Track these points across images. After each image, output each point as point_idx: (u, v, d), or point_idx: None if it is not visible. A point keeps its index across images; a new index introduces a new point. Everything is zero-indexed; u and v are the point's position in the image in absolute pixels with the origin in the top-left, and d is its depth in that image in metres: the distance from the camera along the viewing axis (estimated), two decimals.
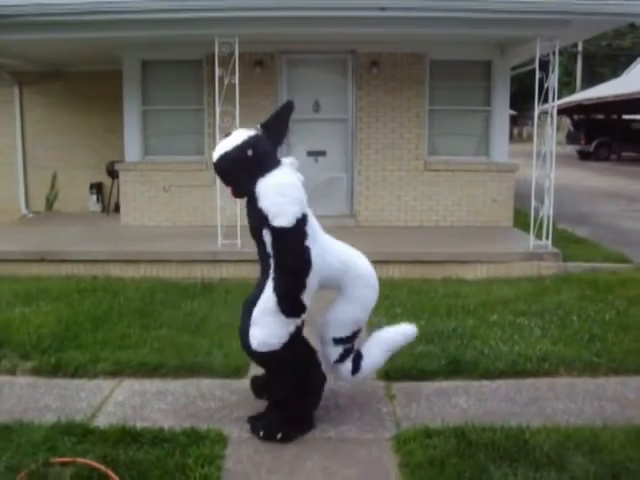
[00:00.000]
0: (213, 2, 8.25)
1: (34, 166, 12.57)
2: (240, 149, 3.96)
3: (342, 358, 4.37)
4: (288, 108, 4.23)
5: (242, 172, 4.00)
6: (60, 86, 12.30)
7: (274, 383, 4.31)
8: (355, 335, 4.39)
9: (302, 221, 3.96)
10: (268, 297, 4.03)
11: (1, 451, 3.81)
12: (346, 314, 4.33)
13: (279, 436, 4.14)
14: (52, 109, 12.44)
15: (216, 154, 4.02)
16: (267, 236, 3.97)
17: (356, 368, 4.43)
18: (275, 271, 4.00)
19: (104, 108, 11.98)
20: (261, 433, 4.16)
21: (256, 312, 4.10)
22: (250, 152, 3.96)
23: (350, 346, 4.39)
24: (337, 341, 4.33)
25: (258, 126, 4.18)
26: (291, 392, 4.18)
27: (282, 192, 3.94)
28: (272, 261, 4.01)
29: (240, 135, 4.05)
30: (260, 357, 4.18)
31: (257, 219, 3.99)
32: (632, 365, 5.28)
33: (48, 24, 8.34)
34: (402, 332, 4.61)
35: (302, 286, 3.98)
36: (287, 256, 3.94)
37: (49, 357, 5.35)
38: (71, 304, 6.81)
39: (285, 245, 3.93)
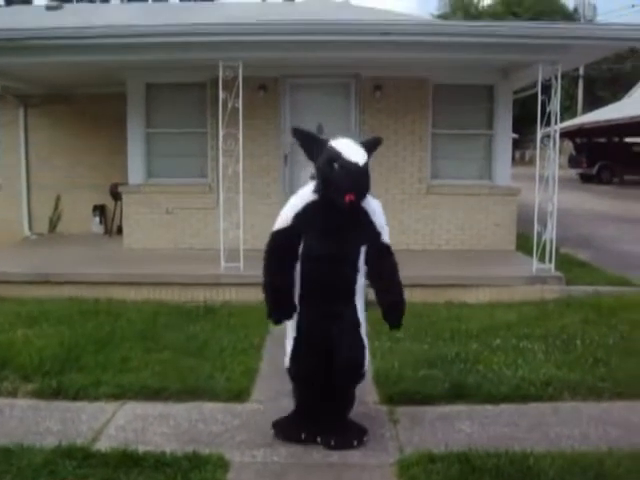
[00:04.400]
0: (217, 27, 8.33)
1: (38, 187, 12.59)
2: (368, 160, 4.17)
3: None
4: (379, 141, 4.53)
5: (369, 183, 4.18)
6: (64, 108, 12.35)
7: (347, 398, 4.47)
8: None
9: None
10: (364, 314, 4.38)
11: (1, 475, 3.79)
12: None
13: (355, 443, 4.34)
14: (56, 131, 12.49)
15: (360, 158, 4.09)
16: (369, 250, 4.27)
17: None
18: (387, 284, 4.29)
19: (108, 130, 12.01)
20: (332, 442, 4.31)
21: (363, 333, 4.36)
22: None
23: None
24: None
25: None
26: (353, 401, 4.51)
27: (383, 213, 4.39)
28: (374, 275, 4.31)
29: (361, 147, 4.21)
30: (362, 379, 4.45)
31: (364, 234, 4.25)
32: (637, 389, 5.24)
33: (54, 47, 8.40)
34: None
35: None
36: (396, 271, 4.35)
37: (50, 380, 5.33)
38: (73, 326, 6.79)
39: (393, 260, 4.35)
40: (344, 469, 4.09)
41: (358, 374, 4.37)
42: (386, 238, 4.31)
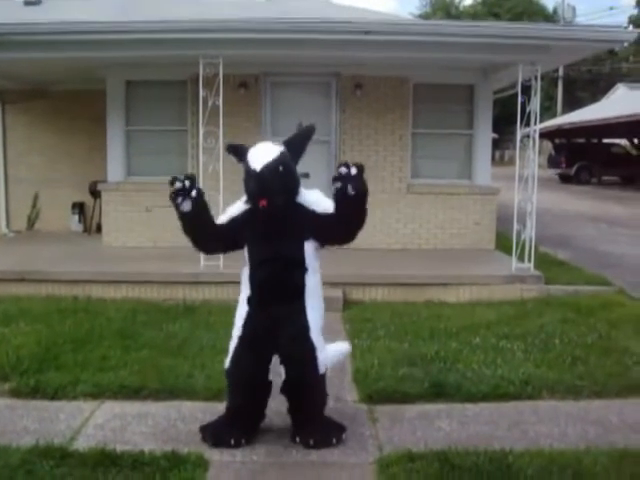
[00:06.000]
0: (198, 23, 8.29)
1: (15, 184, 12.47)
2: (278, 162, 4.12)
3: None
4: (311, 131, 4.42)
5: (281, 185, 4.15)
6: (43, 105, 12.23)
7: (313, 398, 4.39)
8: None
9: None
10: (315, 317, 4.28)
11: None
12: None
13: (334, 441, 4.33)
14: (35, 128, 12.38)
15: (258, 163, 4.09)
16: (310, 244, 4.26)
17: None
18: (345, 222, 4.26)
19: (87, 127, 11.93)
20: (311, 442, 4.28)
21: (314, 336, 4.26)
22: (281, 168, 4.13)
23: None
24: None
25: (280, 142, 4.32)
26: (324, 400, 4.46)
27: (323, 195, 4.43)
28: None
29: (273, 149, 4.19)
30: (321, 380, 4.35)
31: (306, 227, 4.26)
32: (615, 388, 5.29)
33: (32, 43, 8.33)
34: (338, 349, 4.70)
35: None
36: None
37: (28, 378, 5.27)
38: (51, 325, 6.73)
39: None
40: (323, 468, 4.08)
41: (310, 380, 4.30)
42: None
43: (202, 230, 4.38)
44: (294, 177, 4.26)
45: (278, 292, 4.26)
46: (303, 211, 4.29)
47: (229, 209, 4.46)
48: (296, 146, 4.32)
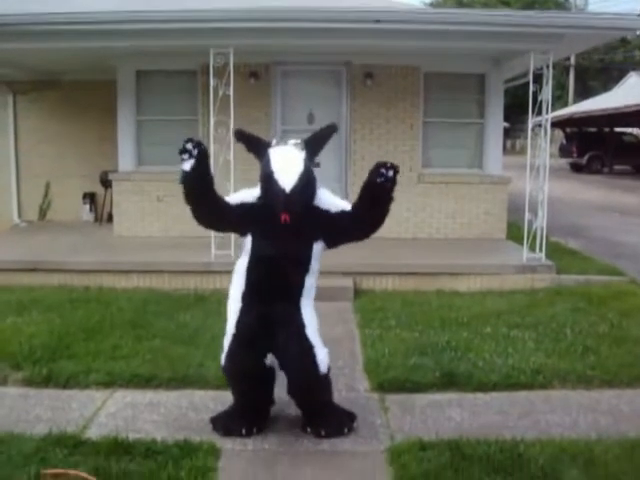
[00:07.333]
0: (208, 13, 8.26)
1: (27, 175, 12.51)
2: (304, 179, 4.08)
3: None
4: (332, 130, 4.40)
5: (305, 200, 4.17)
6: (54, 95, 12.25)
7: (318, 396, 4.38)
8: None
9: None
10: (311, 315, 4.28)
11: None
12: None
13: (346, 430, 4.34)
14: (46, 118, 12.40)
15: (286, 183, 4.00)
16: (319, 245, 4.26)
17: None
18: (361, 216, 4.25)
19: (98, 117, 11.94)
20: (323, 432, 4.29)
21: (310, 333, 4.23)
22: (307, 185, 4.13)
23: None
24: None
25: (299, 141, 4.27)
26: (330, 394, 4.45)
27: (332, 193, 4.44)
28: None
29: (298, 161, 4.11)
30: (322, 379, 4.30)
31: (318, 228, 4.25)
32: (626, 378, 5.28)
33: (43, 33, 8.34)
34: None
35: None
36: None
37: (41, 368, 5.31)
38: (63, 314, 6.77)
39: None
40: (335, 456, 4.10)
41: (311, 379, 4.27)
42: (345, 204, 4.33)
43: (202, 197, 4.27)
44: (314, 187, 4.24)
45: (277, 291, 4.23)
46: (317, 212, 4.26)
47: (241, 192, 4.42)
48: (315, 146, 4.31)
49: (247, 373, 4.27)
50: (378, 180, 4.06)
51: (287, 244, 4.18)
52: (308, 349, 4.20)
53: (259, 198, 4.26)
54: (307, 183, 4.11)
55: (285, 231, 4.14)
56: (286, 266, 4.21)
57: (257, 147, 4.32)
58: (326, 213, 4.26)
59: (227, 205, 4.32)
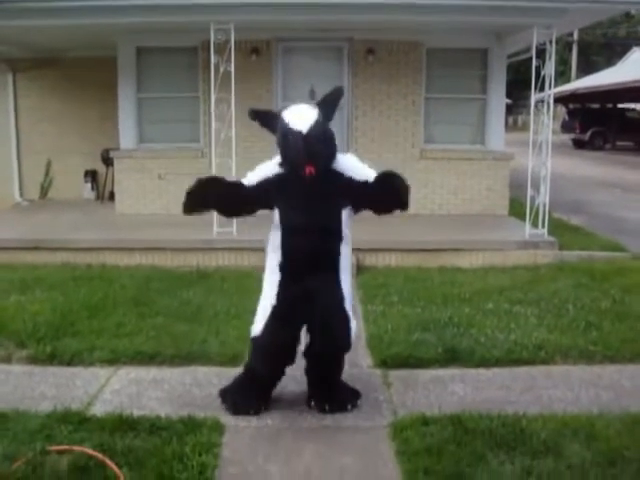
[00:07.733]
0: None
1: (28, 153, 12.50)
2: (320, 124, 4.00)
3: None
4: (339, 92, 4.32)
5: (326, 148, 4.06)
6: (55, 73, 12.20)
7: (336, 367, 4.43)
8: None
9: None
10: (348, 287, 4.23)
11: None
12: None
13: (349, 407, 4.37)
14: (46, 96, 12.36)
15: (303, 125, 3.92)
16: (346, 212, 4.18)
17: None
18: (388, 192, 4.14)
19: (99, 95, 11.89)
20: (327, 407, 4.32)
21: (348, 305, 4.21)
22: (325, 130, 4.06)
23: None
24: None
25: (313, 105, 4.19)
26: (342, 367, 4.47)
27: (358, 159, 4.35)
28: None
29: (312, 111, 4.05)
30: (348, 348, 4.33)
31: (345, 195, 4.15)
32: (628, 353, 5.30)
33: (43, 10, 8.29)
34: None
35: None
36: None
37: (45, 345, 5.33)
38: (66, 292, 6.79)
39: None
40: (338, 432, 4.12)
41: (343, 349, 4.30)
42: (372, 173, 4.18)
43: (219, 204, 4.33)
44: (334, 140, 4.13)
45: (312, 262, 4.11)
46: (339, 178, 4.14)
47: (259, 169, 4.28)
48: (328, 108, 4.17)
49: (283, 346, 4.21)
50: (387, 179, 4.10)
51: (315, 212, 4.09)
52: (345, 321, 4.18)
53: (280, 165, 4.15)
54: (325, 132, 4.02)
55: (311, 199, 4.07)
56: (317, 234, 4.08)
57: (271, 120, 4.20)
58: (349, 179, 4.13)
59: (248, 193, 4.20)
